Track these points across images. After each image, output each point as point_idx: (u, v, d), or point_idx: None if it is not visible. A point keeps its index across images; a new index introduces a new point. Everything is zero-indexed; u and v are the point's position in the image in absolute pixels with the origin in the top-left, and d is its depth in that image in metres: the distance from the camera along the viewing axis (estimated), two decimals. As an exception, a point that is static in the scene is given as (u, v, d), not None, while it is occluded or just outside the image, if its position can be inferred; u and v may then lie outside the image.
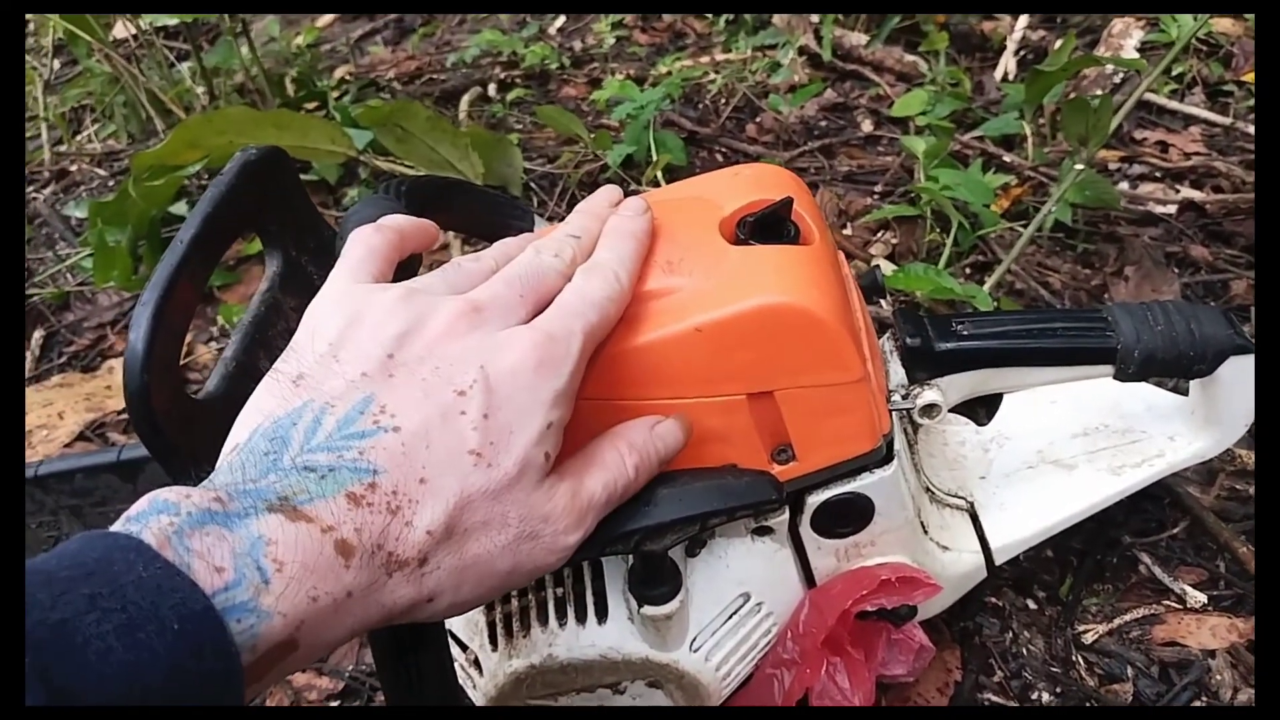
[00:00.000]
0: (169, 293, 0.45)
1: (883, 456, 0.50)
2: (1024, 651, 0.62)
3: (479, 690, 0.52)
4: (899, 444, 0.52)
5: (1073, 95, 1.37)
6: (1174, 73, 1.38)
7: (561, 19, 1.74)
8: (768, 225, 0.49)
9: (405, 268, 0.47)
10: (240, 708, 0.28)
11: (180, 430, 0.46)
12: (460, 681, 0.53)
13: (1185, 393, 0.60)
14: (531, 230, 0.62)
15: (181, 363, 1.02)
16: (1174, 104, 1.33)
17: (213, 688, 0.28)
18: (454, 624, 0.54)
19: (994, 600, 0.64)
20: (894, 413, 0.51)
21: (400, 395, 0.36)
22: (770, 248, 0.47)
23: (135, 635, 0.26)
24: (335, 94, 1.41)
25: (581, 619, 0.51)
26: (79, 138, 1.62)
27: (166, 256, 0.47)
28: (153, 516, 0.30)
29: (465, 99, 1.38)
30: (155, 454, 0.45)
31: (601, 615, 0.51)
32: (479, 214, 0.61)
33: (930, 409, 0.52)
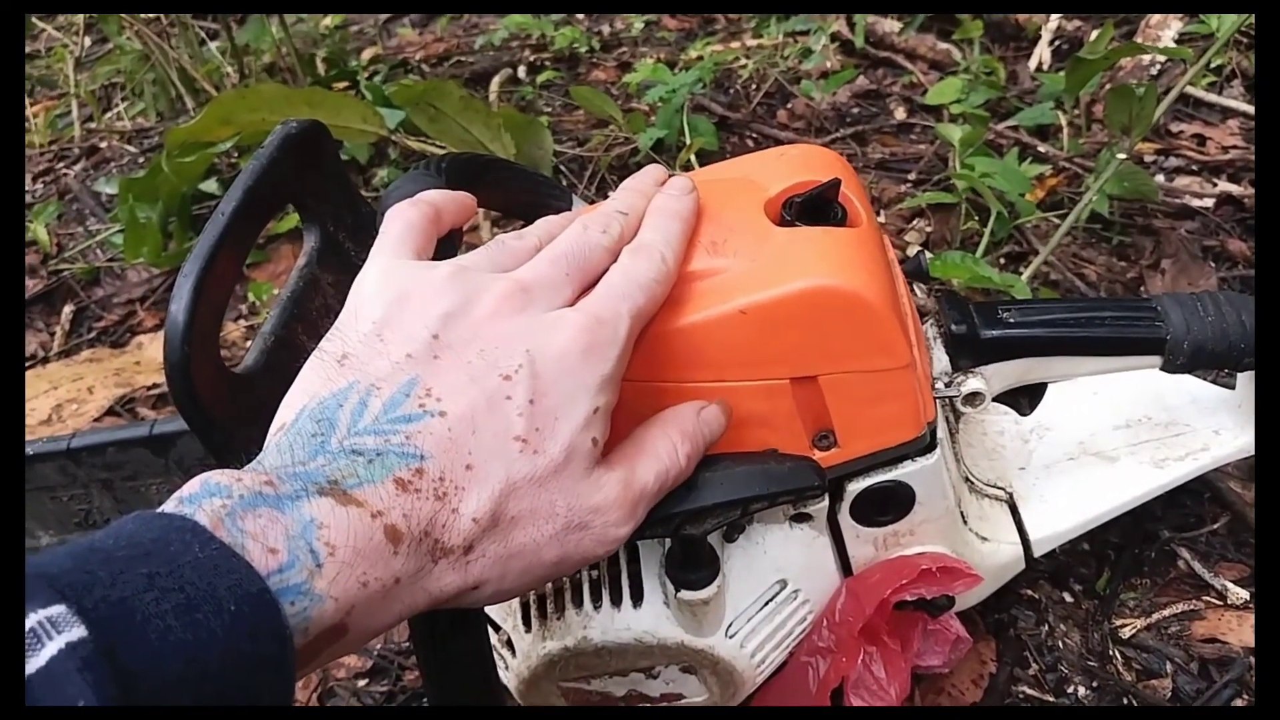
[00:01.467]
0: (210, 264, 0.45)
1: (925, 445, 0.49)
2: (1060, 645, 0.61)
3: (511, 671, 0.52)
4: (941, 433, 0.51)
5: (1109, 86, 1.36)
6: (1212, 65, 1.36)
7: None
8: (814, 207, 0.48)
9: (445, 244, 0.47)
10: (246, 707, 0.27)
11: (219, 403, 0.46)
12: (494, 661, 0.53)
13: (1231, 386, 0.59)
14: (570, 210, 0.62)
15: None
16: (1212, 96, 1.31)
17: (266, 671, 0.27)
18: (488, 606, 0.53)
19: (1030, 593, 0.64)
20: (937, 401, 0.51)
21: (446, 379, 0.36)
22: (817, 230, 0.47)
23: (193, 615, 0.26)
24: (366, 74, 1.41)
25: (617, 602, 0.51)
26: (108, 115, 1.63)
27: (208, 228, 0.46)
28: (205, 499, 0.30)
29: (495, 81, 1.37)
30: (193, 426, 0.45)
31: (637, 599, 0.50)
32: (517, 192, 0.61)
33: (974, 397, 0.52)
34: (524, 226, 0.48)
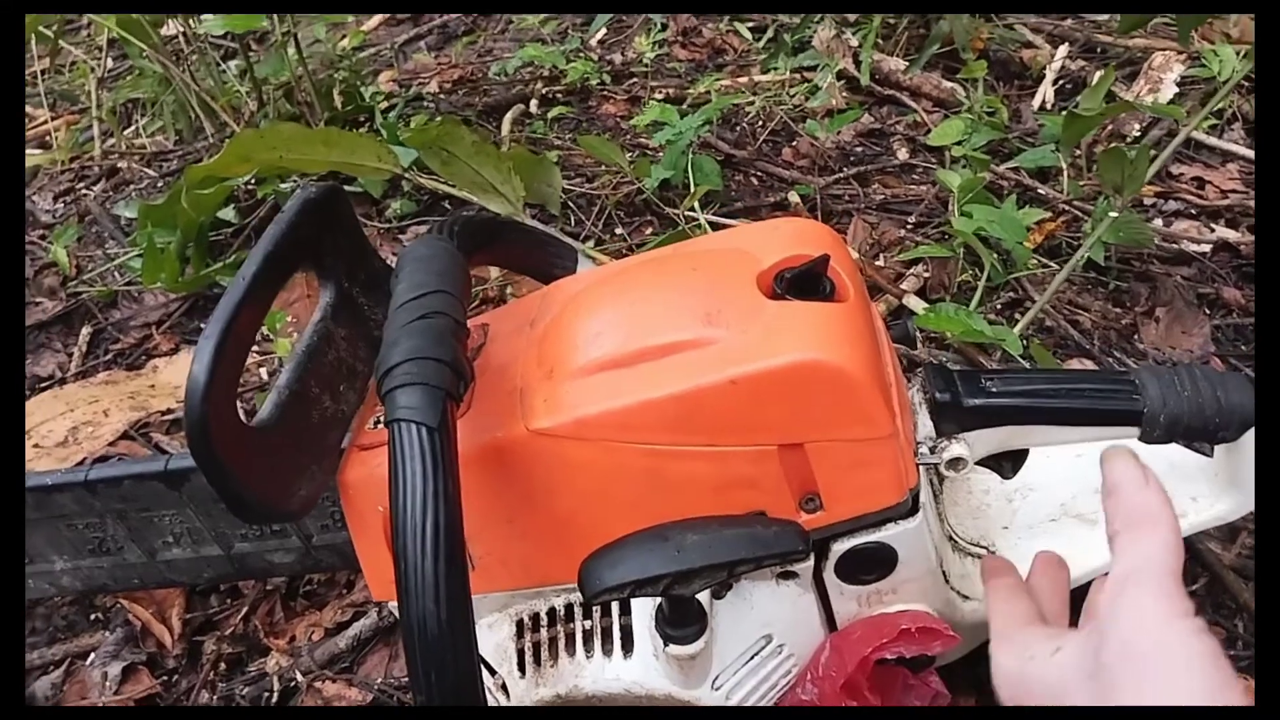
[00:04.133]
0: (230, 326, 0.47)
1: (908, 509, 0.51)
2: (1039, 699, 0.63)
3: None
4: (924, 495, 0.53)
5: (1109, 126, 1.38)
6: (1214, 108, 1.38)
7: (602, 32, 1.76)
8: (804, 281, 0.50)
9: None
10: (230, 708, 0.28)
11: (235, 457, 0.48)
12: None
13: (1209, 453, 0.61)
14: (575, 269, 0.64)
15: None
16: (1212, 140, 1.33)
17: None
18: (484, 649, 0.56)
19: (1011, 647, 0.65)
20: (921, 466, 0.53)
21: None
22: (806, 304, 0.49)
23: None
24: (383, 106, 1.44)
25: (608, 652, 0.53)
26: (128, 132, 1.66)
27: (230, 290, 0.49)
28: None
29: (508, 117, 1.40)
30: (211, 479, 0.48)
31: (628, 649, 0.53)
32: (525, 253, 0.63)
33: (956, 463, 0.54)
34: (534, 284, 0.49)
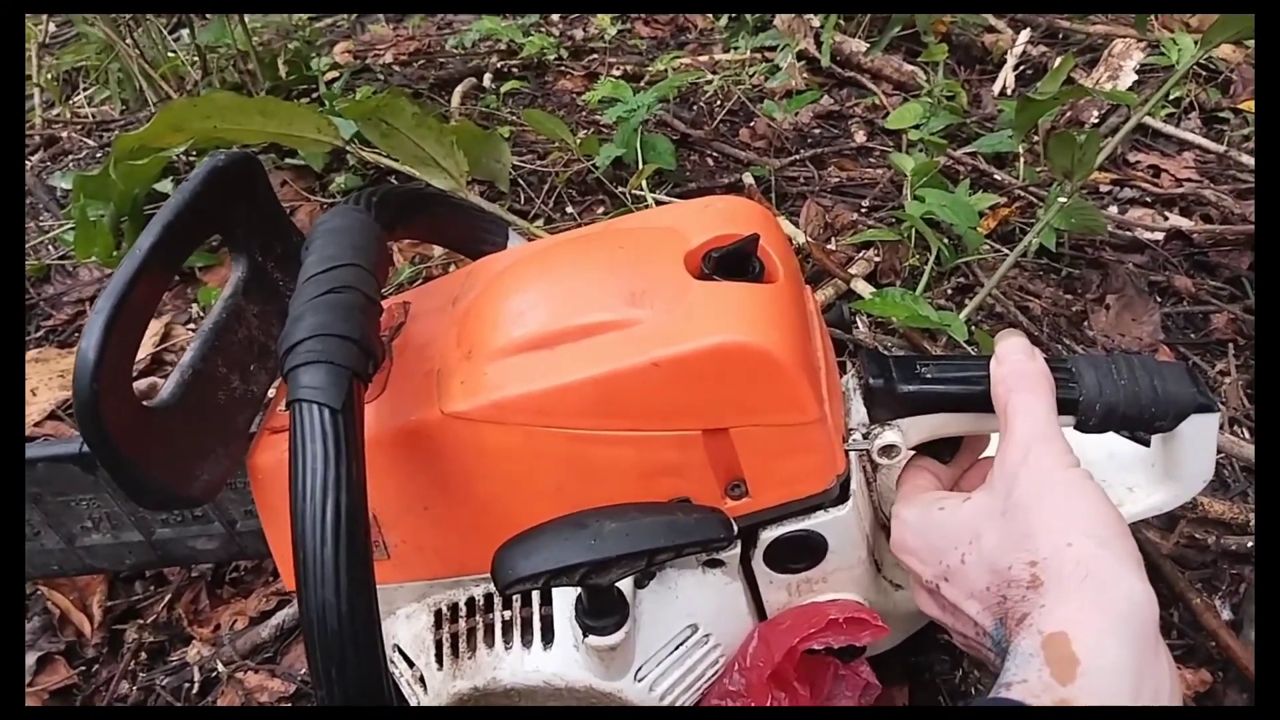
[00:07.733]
0: (123, 301, 0.45)
1: (836, 496, 0.50)
2: (973, 690, 0.62)
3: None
4: (857, 482, 0.52)
5: (1068, 113, 1.37)
6: (1171, 95, 1.38)
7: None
8: (732, 261, 0.48)
9: None
10: (236, 708, 0.27)
11: (130, 439, 0.45)
12: (405, 697, 0.53)
13: (1147, 443, 0.60)
14: (505, 245, 0.62)
15: (160, 346, 1.01)
16: (1169, 128, 1.33)
17: None
18: (402, 640, 0.54)
19: (946, 637, 0.64)
20: (853, 451, 0.51)
21: None
22: (733, 285, 0.47)
23: None
24: (330, 75, 1.40)
25: (528, 644, 0.51)
26: (72, 100, 1.61)
27: (125, 262, 0.46)
28: None
29: (458, 90, 1.37)
30: (103, 463, 0.45)
31: (548, 641, 0.51)
32: (452, 228, 0.61)
33: (889, 449, 0.52)
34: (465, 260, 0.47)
